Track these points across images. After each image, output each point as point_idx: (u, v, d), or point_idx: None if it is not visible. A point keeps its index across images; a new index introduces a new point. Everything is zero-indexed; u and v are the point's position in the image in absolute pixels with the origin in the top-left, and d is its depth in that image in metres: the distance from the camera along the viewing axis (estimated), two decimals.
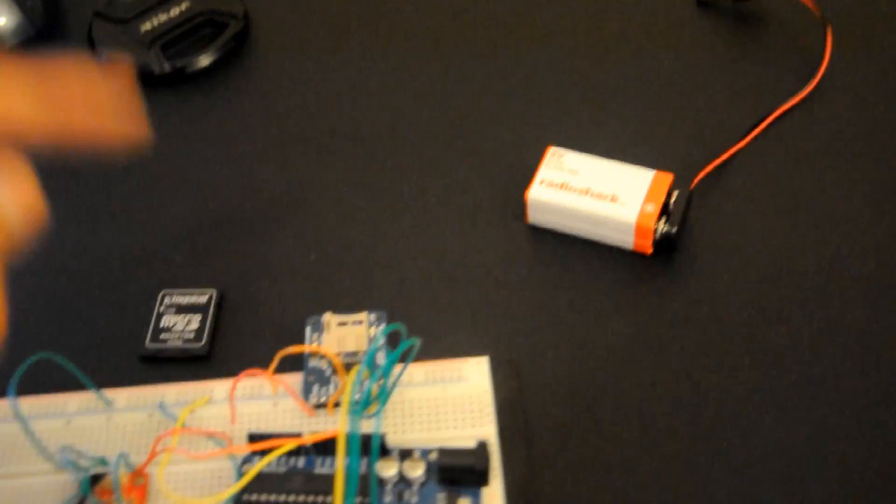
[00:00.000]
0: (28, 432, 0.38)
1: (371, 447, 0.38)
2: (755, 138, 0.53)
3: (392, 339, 0.44)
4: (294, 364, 0.44)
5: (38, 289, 0.51)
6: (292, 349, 0.42)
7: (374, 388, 0.41)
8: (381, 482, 0.38)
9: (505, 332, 0.46)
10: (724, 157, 0.51)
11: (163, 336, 0.48)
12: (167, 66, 0.59)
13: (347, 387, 0.38)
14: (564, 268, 0.49)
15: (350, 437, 0.34)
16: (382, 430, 0.41)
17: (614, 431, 0.43)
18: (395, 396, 0.42)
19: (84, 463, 0.40)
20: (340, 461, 0.35)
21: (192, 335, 0.48)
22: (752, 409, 0.43)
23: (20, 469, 0.42)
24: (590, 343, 0.46)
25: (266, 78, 0.59)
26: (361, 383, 0.40)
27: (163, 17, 0.61)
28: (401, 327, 0.38)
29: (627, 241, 0.48)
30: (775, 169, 0.51)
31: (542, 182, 0.49)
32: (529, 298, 0.48)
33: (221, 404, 0.43)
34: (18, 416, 0.38)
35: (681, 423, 0.43)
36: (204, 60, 0.60)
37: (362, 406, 0.39)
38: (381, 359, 0.43)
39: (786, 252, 0.48)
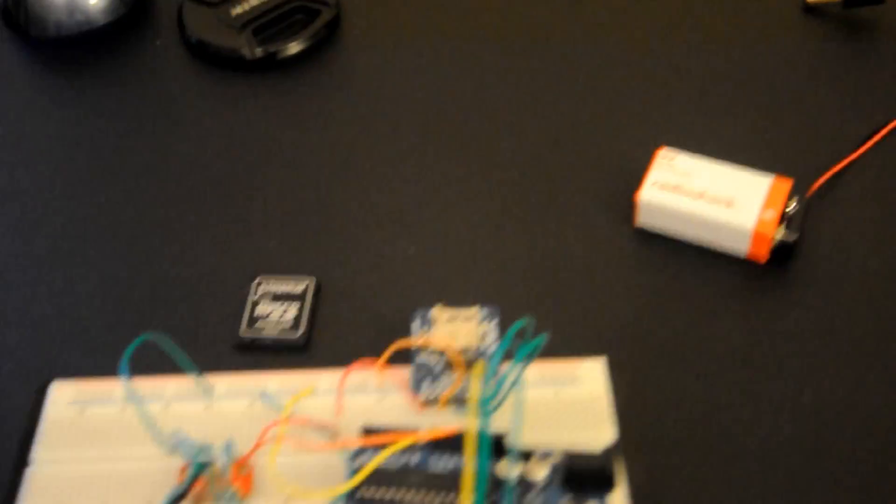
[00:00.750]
0: (142, 415, 0.36)
1: (496, 446, 0.36)
2: (872, 147, 0.51)
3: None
4: (398, 358, 0.42)
5: (130, 272, 0.49)
6: (405, 342, 0.41)
7: (492, 385, 0.39)
8: (502, 483, 0.37)
9: (619, 336, 0.45)
10: (842, 164, 0.50)
11: (258, 324, 0.46)
12: (258, 52, 0.58)
13: (475, 382, 0.36)
14: (675, 273, 0.47)
15: (480, 435, 0.33)
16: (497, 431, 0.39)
17: (733, 443, 0.41)
18: (509, 399, 0.41)
19: (188, 450, 0.38)
20: (469, 458, 0.33)
21: (288, 324, 0.46)
22: (877, 426, 0.41)
23: (118, 453, 0.41)
24: (704, 352, 0.44)
25: (358, 67, 0.58)
26: (486, 380, 0.38)
27: (254, 1, 0.60)
28: (527, 322, 0.37)
29: (742, 248, 0.47)
30: (894, 178, 0.50)
31: (653, 184, 0.48)
32: (638, 303, 0.46)
33: (324, 396, 0.42)
34: (132, 398, 0.36)
35: (803, 437, 0.41)
36: (295, 47, 0.59)
37: (486, 403, 0.37)
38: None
39: None
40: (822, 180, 0.49)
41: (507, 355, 0.38)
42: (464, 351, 0.42)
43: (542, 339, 0.36)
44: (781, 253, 0.46)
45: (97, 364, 0.45)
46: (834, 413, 0.41)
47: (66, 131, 0.56)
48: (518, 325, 0.35)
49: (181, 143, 0.55)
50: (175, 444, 0.38)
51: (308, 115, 0.56)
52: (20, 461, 0.41)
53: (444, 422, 0.40)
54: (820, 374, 0.43)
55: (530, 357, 0.38)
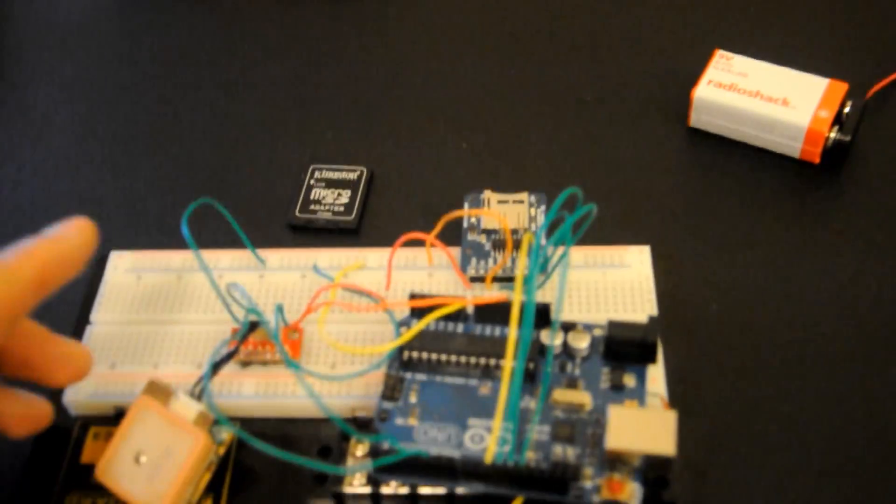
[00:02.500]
0: (203, 267, 0.37)
1: (539, 316, 0.36)
2: None
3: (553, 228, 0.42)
4: (448, 240, 0.43)
5: (190, 158, 0.50)
6: (457, 213, 0.41)
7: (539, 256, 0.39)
8: (544, 351, 0.37)
9: (664, 229, 0.45)
10: None
11: (312, 207, 0.47)
12: None
13: (523, 251, 0.37)
14: (725, 171, 0.47)
15: (525, 302, 0.33)
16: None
17: (771, 336, 0.41)
18: (553, 277, 0.41)
19: (239, 309, 0.40)
20: (514, 324, 0.34)
21: (342, 209, 0.47)
22: None
23: (171, 317, 0.42)
24: (750, 247, 0.44)
25: None
26: (533, 252, 0.39)
27: None
28: (578, 191, 0.37)
29: (795, 147, 0.46)
30: None
31: (709, 82, 0.48)
32: (687, 198, 0.46)
33: (374, 272, 0.43)
34: (196, 256, 0.37)
35: (843, 330, 0.41)
36: None
37: (532, 270, 0.38)
38: (543, 239, 0.42)
39: None
40: (880, 85, 0.48)
41: (559, 242, 0.37)
42: (513, 231, 0.42)
43: (591, 207, 0.36)
44: (834, 153, 0.46)
45: (154, 241, 0.46)
46: (880, 313, 0.41)
47: (132, 25, 0.58)
48: (567, 192, 0.35)
49: (243, 40, 0.56)
50: (232, 292, 0.38)
51: (367, 15, 0.56)
52: (82, 319, 0.42)
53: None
54: (866, 273, 0.43)
55: (581, 227, 0.38)
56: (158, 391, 0.37)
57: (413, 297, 0.38)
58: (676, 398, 0.38)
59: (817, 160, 0.46)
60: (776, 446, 0.38)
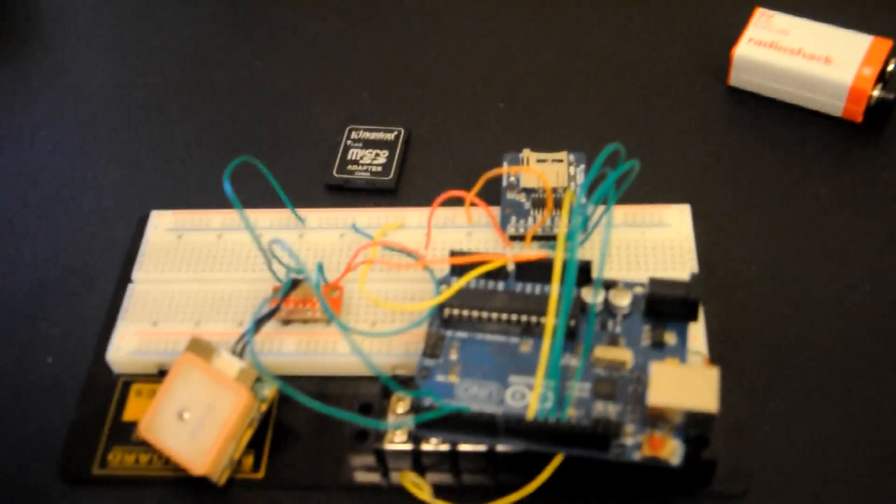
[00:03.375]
0: (247, 225, 0.37)
1: (581, 273, 0.36)
2: None
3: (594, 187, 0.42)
4: (488, 199, 0.43)
5: (227, 119, 0.50)
6: (496, 171, 0.41)
7: (582, 217, 0.39)
8: (585, 308, 0.37)
9: (704, 188, 0.45)
10: None
11: (350, 167, 0.47)
12: None
13: (565, 208, 0.36)
14: (766, 130, 0.47)
15: (567, 259, 0.33)
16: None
17: (811, 295, 0.41)
18: (594, 235, 0.41)
19: (280, 268, 0.40)
20: (556, 278, 0.34)
21: (379, 169, 0.47)
22: None
23: (212, 276, 0.42)
24: (790, 206, 0.44)
25: None
26: (575, 209, 0.39)
27: None
28: (620, 147, 0.37)
29: (838, 105, 0.46)
30: None
31: (750, 40, 0.47)
32: (729, 158, 0.46)
33: (414, 230, 0.43)
34: (240, 214, 0.37)
35: (886, 290, 0.41)
36: None
37: (575, 232, 0.37)
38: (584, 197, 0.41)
39: None
40: None
41: (601, 199, 0.37)
42: (553, 190, 0.42)
43: (634, 164, 0.36)
44: (878, 112, 0.45)
45: (192, 201, 0.46)
46: None
47: None
48: (610, 148, 0.35)
49: (279, 1, 0.56)
50: (276, 248, 0.38)
51: None
52: (123, 278, 0.42)
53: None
54: None
55: (623, 184, 0.38)
56: (201, 348, 0.37)
57: (453, 254, 0.38)
58: (717, 357, 0.38)
59: (860, 119, 0.46)
60: (817, 408, 0.38)
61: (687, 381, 0.33)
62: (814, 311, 0.40)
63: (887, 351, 0.39)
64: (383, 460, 0.37)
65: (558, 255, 0.34)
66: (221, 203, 0.38)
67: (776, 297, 0.41)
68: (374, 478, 0.37)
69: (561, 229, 0.35)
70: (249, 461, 0.38)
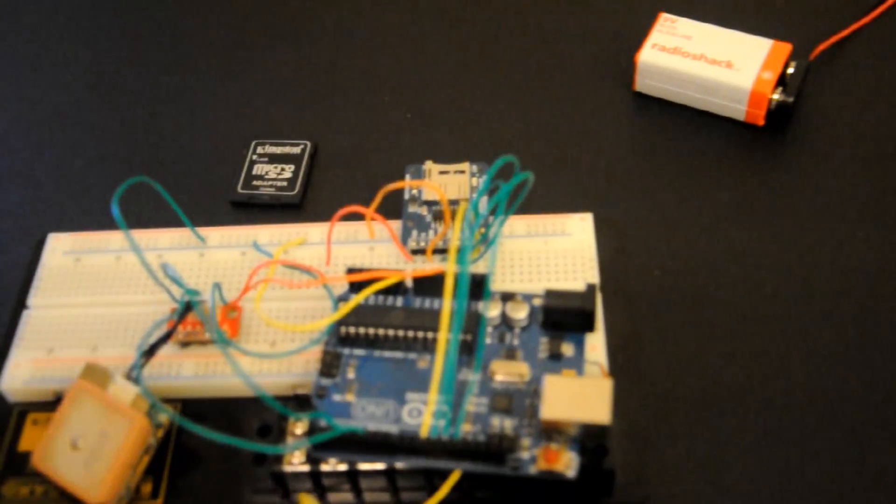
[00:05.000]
0: (134, 247, 0.37)
1: (476, 287, 0.36)
2: (878, 17, 0.50)
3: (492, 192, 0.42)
4: (390, 214, 0.43)
5: (129, 136, 0.50)
6: (394, 185, 0.41)
7: (478, 233, 0.39)
8: (480, 321, 0.37)
9: (608, 195, 0.45)
10: (847, 31, 0.49)
11: (255, 183, 0.47)
12: None
13: (458, 222, 0.36)
14: (671, 135, 0.47)
15: (459, 273, 0.33)
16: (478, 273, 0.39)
17: (714, 298, 0.41)
18: (494, 247, 0.41)
19: (178, 287, 0.39)
20: (448, 292, 0.34)
21: (284, 184, 0.47)
22: (864, 283, 0.41)
23: (111, 299, 0.41)
24: (694, 211, 0.44)
25: None
26: (471, 220, 0.38)
27: None
28: (514, 160, 0.37)
29: (739, 109, 0.46)
30: None
31: (653, 46, 0.47)
32: (634, 164, 0.46)
33: (316, 247, 0.42)
34: (126, 236, 0.36)
35: (787, 292, 0.41)
36: None
37: (467, 245, 0.37)
38: (484, 208, 0.41)
39: None
40: (823, 46, 0.48)
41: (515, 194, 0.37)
42: (454, 203, 0.42)
43: (528, 175, 0.36)
44: (779, 115, 0.45)
45: (95, 221, 0.45)
46: (822, 274, 0.41)
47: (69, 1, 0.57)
48: (502, 160, 0.35)
49: (183, 15, 0.55)
50: (166, 273, 0.38)
51: None
52: (19, 305, 0.42)
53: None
54: (808, 233, 0.43)
55: (519, 195, 0.37)
56: (96, 375, 0.37)
57: (350, 271, 0.38)
58: (618, 366, 0.38)
59: (762, 122, 0.46)
60: (718, 412, 0.38)
61: (580, 394, 0.33)
62: (716, 315, 0.41)
63: (788, 354, 0.39)
64: (283, 482, 0.36)
65: (450, 269, 0.34)
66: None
67: (678, 303, 0.41)
68: (274, 500, 0.37)
69: (453, 242, 0.35)
70: (148, 488, 0.37)
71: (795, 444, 0.37)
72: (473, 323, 0.36)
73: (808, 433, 0.37)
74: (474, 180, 0.43)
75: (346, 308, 0.36)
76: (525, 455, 0.34)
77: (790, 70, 0.46)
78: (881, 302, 0.40)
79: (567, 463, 0.33)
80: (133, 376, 0.37)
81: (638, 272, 0.42)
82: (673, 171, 0.45)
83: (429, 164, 0.43)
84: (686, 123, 0.47)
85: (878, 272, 0.41)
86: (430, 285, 0.38)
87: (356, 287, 0.38)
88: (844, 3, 0.51)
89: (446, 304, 0.34)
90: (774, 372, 0.39)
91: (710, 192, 0.44)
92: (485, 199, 0.42)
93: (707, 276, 0.41)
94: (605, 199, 0.44)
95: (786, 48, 0.46)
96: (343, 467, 0.35)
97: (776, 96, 0.45)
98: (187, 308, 0.38)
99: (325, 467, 0.35)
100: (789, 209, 0.44)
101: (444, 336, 0.34)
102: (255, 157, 0.48)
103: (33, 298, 0.41)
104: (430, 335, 0.36)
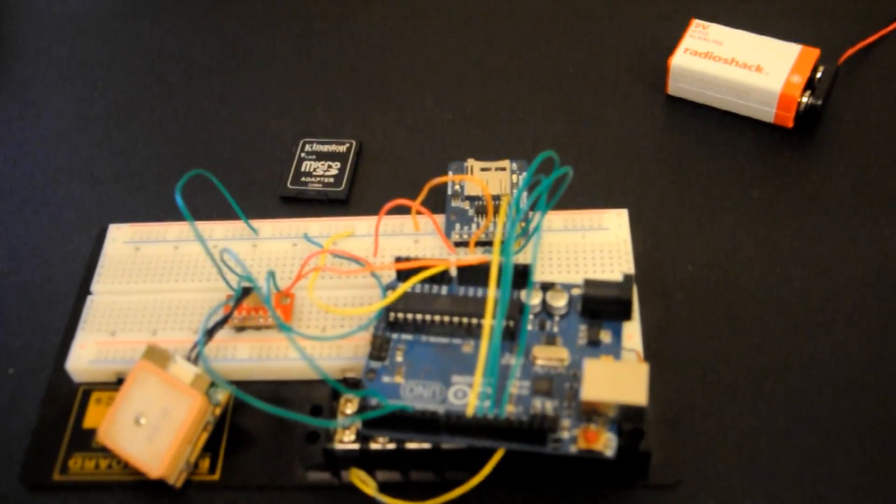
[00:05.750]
0: (198, 236, 0.39)
1: (518, 276, 0.38)
2: None
3: (532, 189, 0.44)
4: (434, 208, 0.45)
5: (183, 134, 0.52)
6: (440, 179, 0.43)
7: (519, 226, 0.41)
8: (523, 309, 0.39)
9: (642, 193, 0.47)
10: (875, 37, 0.51)
11: (303, 179, 0.49)
12: None
13: (502, 215, 0.38)
14: (702, 137, 0.49)
15: (503, 263, 0.35)
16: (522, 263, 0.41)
17: (745, 292, 0.43)
18: (534, 239, 0.43)
19: (233, 277, 0.41)
20: (493, 281, 0.36)
21: (331, 180, 0.49)
22: (890, 277, 0.43)
23: (168, 286, 0.44)
24: (724, 208, 0.46)
25: None
26: (513, 214, 0.40)
27: None
28: (554, 155, 0.39)
29: (769, 112, 0.48)
30: None
31: (686, 50, 0.49)
32: (667, 164, 0.48)
33: (364, 239, 0.44)
34: (191, 225, 0.38)
35: (815, 287, 0.43)
36: None
37: (510, 237, 0.39)
38: (524, 203, 0.43)
39: None
40: (852, 51, 0.50)
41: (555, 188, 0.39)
42: (496, 199, 0.44)
43: (567, 170, 0.38)
44: (807, 117, 0.47)
45: (151, 214, 0.48)
46: (850, 272, 0.43)
47: (125, 7, 0.59)
48: (543, 156, 0.37)
49: (234, 17, 0.58)
50: (226, 257, 0.40)
51: None
52: (82, 290, 0.44)
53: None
54: (836, 231, 0.44)
55: (559, 189, 0.39)
56: (157, 356, 0.39)
57: (398, 260, 0.40)
58: (652, 354, 0.40)
59: (791, 125, 0.48)
60: (748, 399, 0.39)
61: (618, 377, 0.35)
62: (746, 309, 0.42)
63: (817, 346, 0.41)
64: (333, 459, 0.38)
65: (494, 260, 0.36)
66: (179, 216, 0.39)
67: (710, 296, 0.43)
68: (325, 477, 0.39)
69: (497, 235, 0.37)
70: (206, 463, 0.39)
71: (824, 431, 0.38)
72: (516, 310, 0.38)
73: (837, 422, 0.39)
74: (515, 177, 0.45)
75: (395, 294, 0.38)
76: (566, 435, 0.35)
77: (818, 74, 0.47)
78: None
79: (606, 443, 0.35)
80: (194, 356, 0.39)
81: (671, 266, 0.43)
82: (704, 171, 0.47)
83: (470, 161, 0.45)
84: (717, 125, 0.49)
85: None
86: (472, 275, 0.40)
87: (403, 276, 0.40)
88: (871, 10, 0.52)
89: (491, 292, 0.36)
90: (803, 363, 0.40)
91: (741, 190, 0.46)
92: (525, 195, 0.43)
93: (737, 271, 0.43)
94: (639, 197, 0.46)
95: (814, 53, 0.48)
96: (392, 446, 0.37)
97: (805, 99, 0.47)
98: (244, 293, 0.40)
99: (374, 446, 0.37)
100: (817, 208, 0.45)
101: (489, 322, 0.36)
102: (303, 154, 0.50)
103: (96, 285, 0.44)
104: (474, 321, 0.38)
